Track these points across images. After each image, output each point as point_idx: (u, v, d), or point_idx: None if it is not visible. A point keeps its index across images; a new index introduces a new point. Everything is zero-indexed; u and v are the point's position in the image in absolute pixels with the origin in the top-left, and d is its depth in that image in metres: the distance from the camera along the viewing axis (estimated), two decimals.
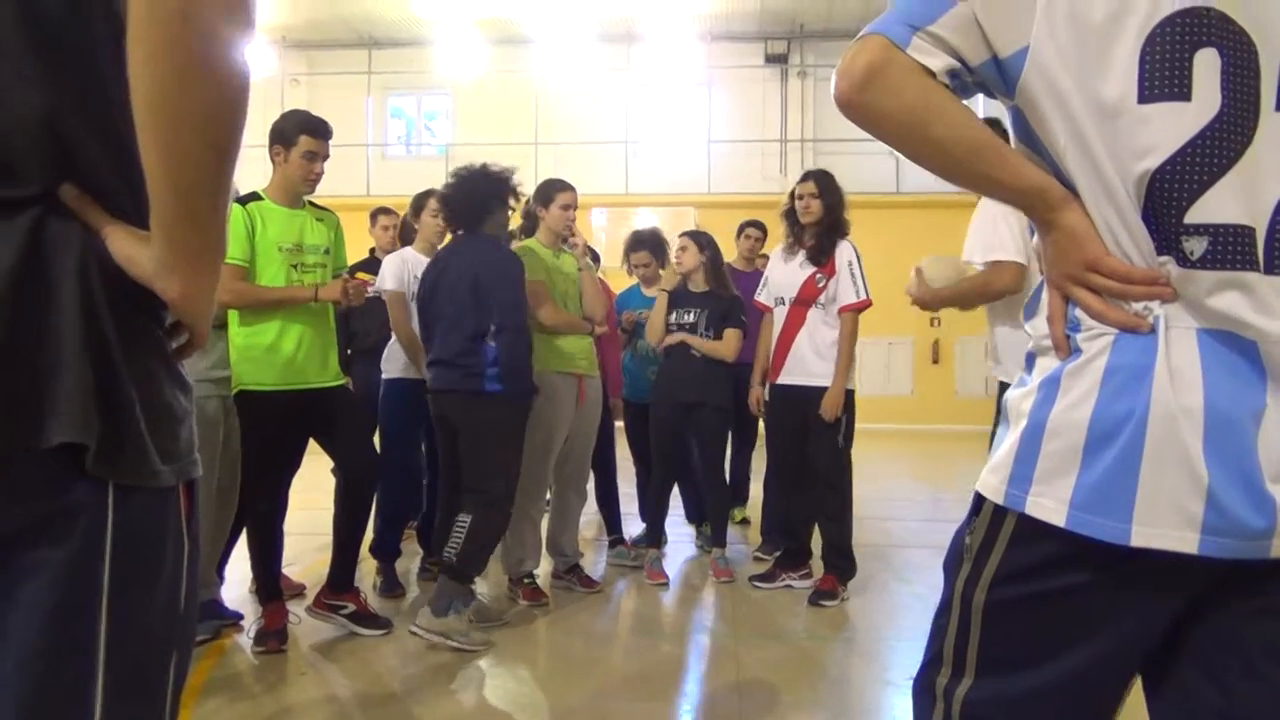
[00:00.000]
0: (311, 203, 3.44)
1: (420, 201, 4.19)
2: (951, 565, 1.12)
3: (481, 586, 3.98)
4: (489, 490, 3.42)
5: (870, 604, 4.06)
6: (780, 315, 4.12)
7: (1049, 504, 0.97)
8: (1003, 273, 2.96)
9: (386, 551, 4.13)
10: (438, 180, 4.20)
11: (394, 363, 4.08)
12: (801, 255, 4.11)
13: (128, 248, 0.84)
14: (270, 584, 3.36)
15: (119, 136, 0.83)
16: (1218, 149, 0.93)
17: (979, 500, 1.07)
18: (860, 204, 15.38)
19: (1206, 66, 0.92)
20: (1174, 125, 0.93)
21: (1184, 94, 0.93)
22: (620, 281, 5.35)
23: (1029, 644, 1.04)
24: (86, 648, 0.82)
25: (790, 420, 4.10)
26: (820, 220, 4.06)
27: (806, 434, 4.03)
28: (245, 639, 3.35)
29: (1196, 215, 0.93)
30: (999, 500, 1.03)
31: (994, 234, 2.98)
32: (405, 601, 3.94)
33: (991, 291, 3.02)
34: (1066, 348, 1.00)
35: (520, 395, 3.45)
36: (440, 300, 3.54)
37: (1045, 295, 1.06)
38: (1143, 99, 0.93)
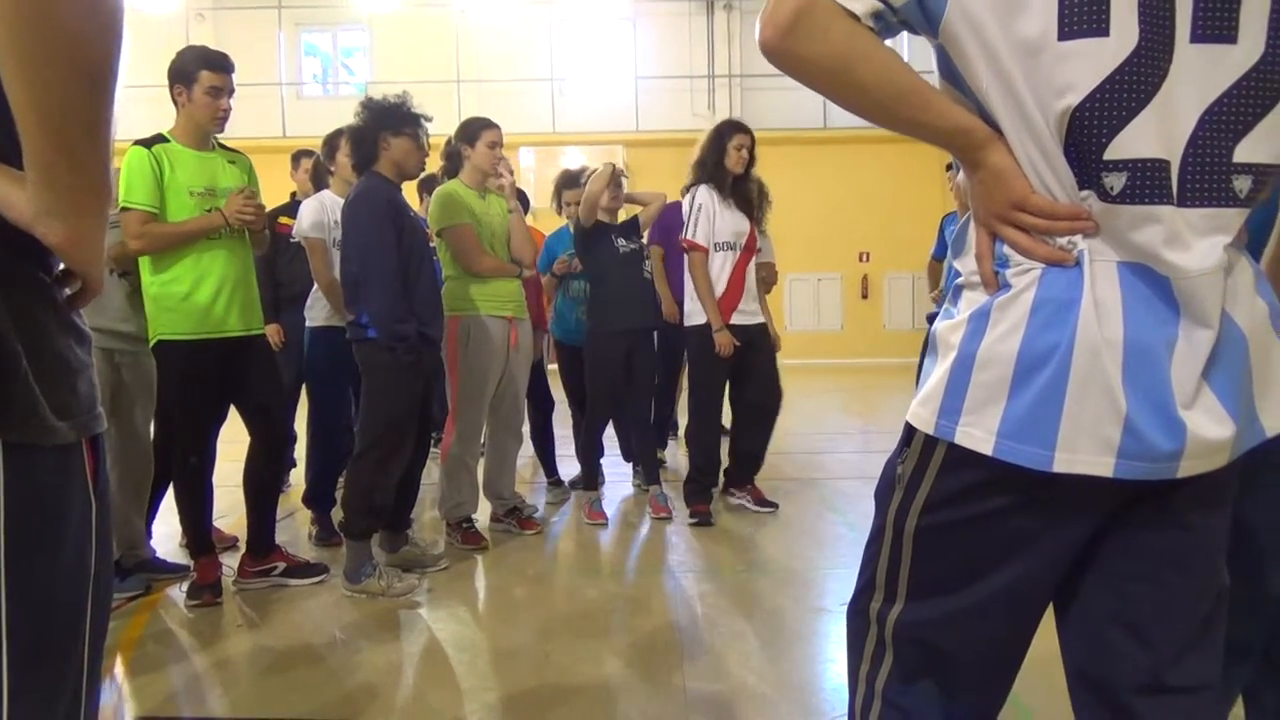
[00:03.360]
0: (222, 145, 3.31)
1: (334, 141, 4.05)
2: (883, 495, 1.15)
3: (419, 532, 3.96)
4: (361, 442, 3.38)
5: (804, 535, 4.16)
6: (729, 260, 4.30)
7: (978, 434, 1.01)
8: None
9: (320, 501, 4.08)
10: None
11: (318, 310, 3.98)
12: (735, 204, 4.29)
13: (1, 189, 0.78)
14: (201, 537, 3.29)
15: None
16: (1136, 84, 0.94)
17: (910, 431, 1.10)
18: (788, 140, 15.38)
19: (1123, 1, 0.93)
20: (1094, 61, 0.94)
21: (1103, 29, 0.93)
22: (550, 222, 5.26)
23: (958, 567, 1.09)
24: None
25: (733, 358, 4.28)
26: (747, 173, 4.26)
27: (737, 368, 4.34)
28: (179, 593, 3.29)
29: (1116, 151, 0.95)
30: (929, 431, 1.05)
31: None
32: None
33: None
34: (995, 283, 1.02)
35: (394, 340, 3.23)
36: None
37: (971, 232, 1.07)
38: (1063, 35, 0.94)
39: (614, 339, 4.29)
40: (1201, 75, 0.95)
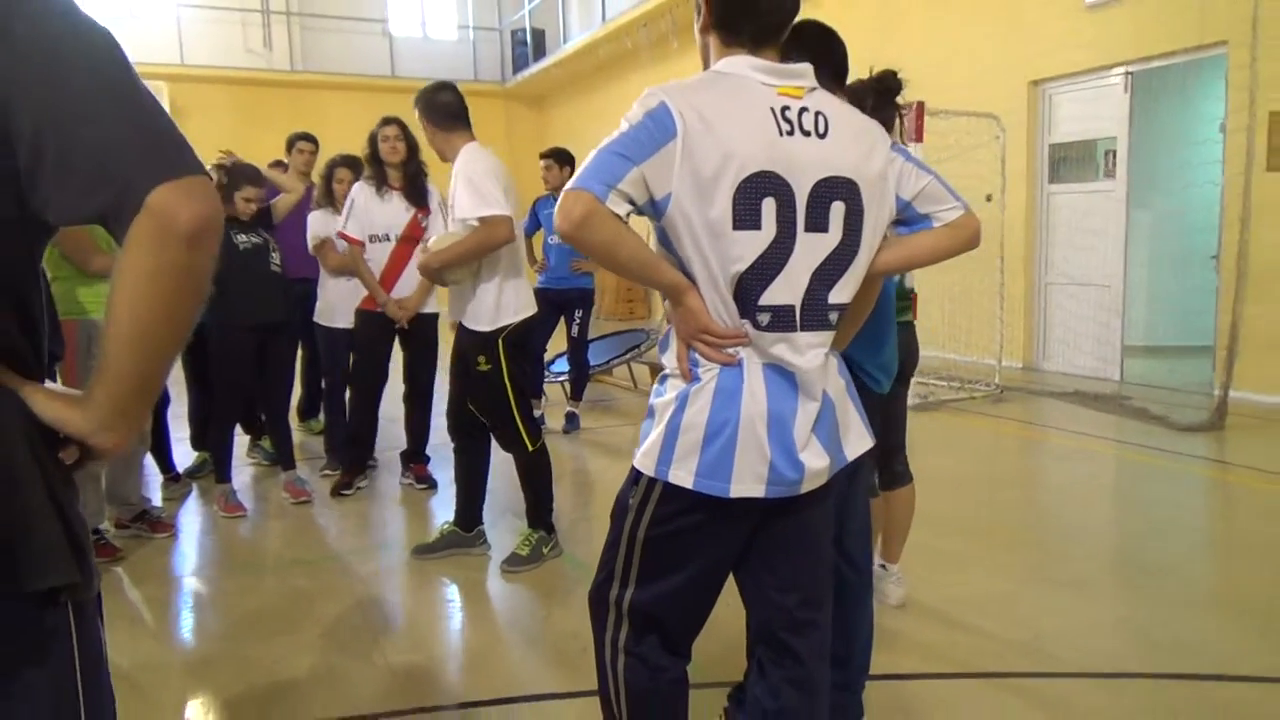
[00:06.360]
0: None
1: None
2: (619, 515, 1.74)
3: None
4: None
5: (444, 503, 4.54)
6: (385, 249, 4.49)
7: (682, 474, 1.61)
8: (498, 226, 3.23)
9: None
10: None
11: None
12: (398, 195, 4.46)
13: (58, 410, 0.97)
14: None
15: (23, 303, 0.96)
16: (775, 259, 1.58)
17: (637, 473, 1.69)
18: (353, 86, 14.86)
19: (768, 208, 1.56)
20: (752, 245, 1.55)
21: (757, 226, 1.55)
22: None
23: (672, 561, 1.70)
24: None
25: (385, 343, 4.62)
26: (407, 161, 4.43)
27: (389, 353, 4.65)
28: None
29: (764, 300, 1.58)
30: (650, 473, 1.65)
31: (483, 192, 3.23)
32: None
33: (493, 243, 3.26)
34: (689, 376, 1.63)
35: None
36: None
37: (673, 342, 1.66)
38: (735, 227, 1.54)
39: (241, 333, 4.27)
40: (810, 251, 1.60)
